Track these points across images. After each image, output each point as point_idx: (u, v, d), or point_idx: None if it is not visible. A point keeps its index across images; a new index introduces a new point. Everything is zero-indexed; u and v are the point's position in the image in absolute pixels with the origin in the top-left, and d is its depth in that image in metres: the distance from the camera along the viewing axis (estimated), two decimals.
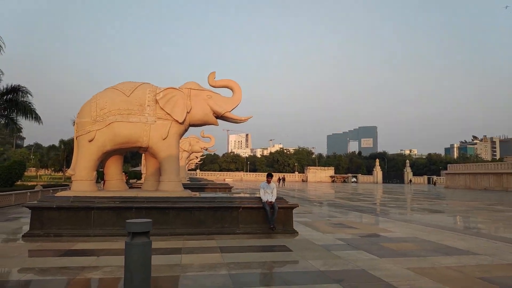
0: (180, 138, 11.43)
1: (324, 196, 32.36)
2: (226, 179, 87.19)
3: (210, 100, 11.05)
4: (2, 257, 7.10)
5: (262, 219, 10.44)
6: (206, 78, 11.12)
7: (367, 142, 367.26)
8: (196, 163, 60.75)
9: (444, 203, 25.20)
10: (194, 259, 7.19)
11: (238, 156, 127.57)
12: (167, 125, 10.67)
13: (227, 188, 24.38)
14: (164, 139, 10.61)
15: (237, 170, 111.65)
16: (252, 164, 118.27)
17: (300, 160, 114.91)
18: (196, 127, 11.79)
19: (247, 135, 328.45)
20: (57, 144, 53.55)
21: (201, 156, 45.82)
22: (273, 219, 10.18)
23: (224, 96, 11.45)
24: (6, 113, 22.50)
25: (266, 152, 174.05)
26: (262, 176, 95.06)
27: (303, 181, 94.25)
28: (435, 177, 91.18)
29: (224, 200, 10.52)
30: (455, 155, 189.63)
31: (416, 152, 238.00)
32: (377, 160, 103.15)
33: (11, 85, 22.84)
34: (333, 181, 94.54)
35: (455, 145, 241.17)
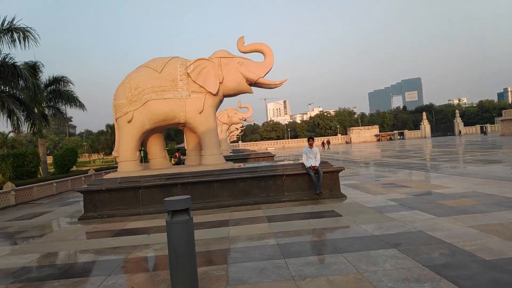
0: (216, 110, 11.22)
1: (370, 156, 31.38)
2: (268, 148, 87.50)
3: (242, 67, 10.64)
4: (61, 240, 7.43)
5: (307, 185, 10.15)
6: (235, 44, 10.70)
7: (411, 96, 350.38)
8: (237, 135, 61.55)
9: (501, 153, 23.43)
10: (241, 230, 7.09)
11: (277, 124, 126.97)
12: (202, 98, 10.47)
13: (269, 156, 24.25)
14: (200, 113, 10.46)
15: (278, 138, 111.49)
16: (292, 131, 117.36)
17: (342, 121, 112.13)
18: (232, 97, 11.51)
19: (284, 101, 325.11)
20: (104, 129, 56.00)
21: (241, 127, 46.13)
22: (319, 184, 9.85)
23: (256, 61, 10.98)
24: (52, 103, 23.53)
25: (305, 117, 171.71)
26: (304, 142, 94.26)
27: (346, 143, 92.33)
28: (488, 125, 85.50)
29: (267, 168, 10.30)
30: (510, 99, 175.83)
31: (465, 101, 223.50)
32: (424, 113, 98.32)
33: (53, 76, 23.74)
34: (378, 140, 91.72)
35: (509, 89, 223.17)
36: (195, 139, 11.42)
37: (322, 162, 10.31)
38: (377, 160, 25.33)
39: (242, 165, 11.87)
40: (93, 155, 69.22)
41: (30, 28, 16.36)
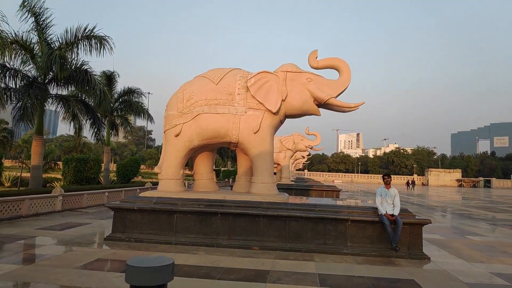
0: (275, 132, 9.59)
1: (452, 204, 27.15)
2: (335, 181, 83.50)
3: (310, 84, 8.95)
4: (64, 266, 6.21)
5: (378, 237, 7.93)
6: (307, 59, 9.10)
7: (501, 141, 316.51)
8: (304, 163, 59.25)
9: None
10: None
11: (348, 156, 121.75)
12: (259, 116, 8.94)
13: (335, 191, 21.83)
14: (255, 133, 8.91)
15: (346, 171, 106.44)
16: (363, 165, 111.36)
17: (419, 161, 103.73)
18: (296, 118, 9.80)
19: (358, 134, 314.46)
20: None
21: (307, 155, 44.01)
22: (397, 237, 7.57)
23: (328, 79, 9.22)
24: (122, 113, 24.01)
25: (379, 153, 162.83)
26: (375, 178, 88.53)
27: (423, 184, 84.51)
28: None
29: (328, 209, 8.30)
30: None
31: None
32: None
33: (128, 87, 24.31)
34: (460, 186, 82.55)
35: None
36: (247, 163, 9.87)
37: (401, 210, 8.02)
38: (461, 210, 21.46)
39: (304, 199, 9.98)
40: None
41: (108, 37, 16.57)
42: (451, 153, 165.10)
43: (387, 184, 8.12)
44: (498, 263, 7.64)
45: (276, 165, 27.30)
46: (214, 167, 10.59)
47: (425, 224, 7.95)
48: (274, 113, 8.95)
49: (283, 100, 8.97)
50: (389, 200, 7.92)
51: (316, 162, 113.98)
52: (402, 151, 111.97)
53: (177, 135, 9.23)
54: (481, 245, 9.70)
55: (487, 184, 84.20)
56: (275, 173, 28.51)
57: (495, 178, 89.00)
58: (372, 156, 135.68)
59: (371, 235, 7.96)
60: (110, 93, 23.07)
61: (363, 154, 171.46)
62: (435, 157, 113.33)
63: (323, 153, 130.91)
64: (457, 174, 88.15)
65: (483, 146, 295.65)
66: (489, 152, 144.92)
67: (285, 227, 8.17)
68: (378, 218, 7.84)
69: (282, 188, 20.58)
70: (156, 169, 9.62)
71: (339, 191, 22.45)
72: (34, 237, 8.68)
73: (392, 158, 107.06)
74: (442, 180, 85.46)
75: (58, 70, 14.25)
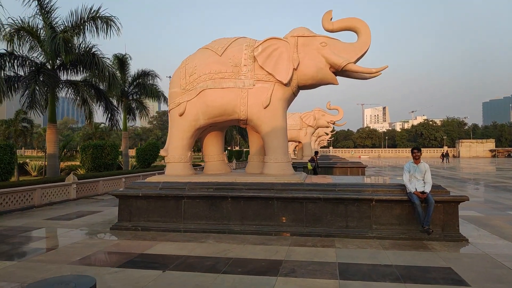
0: (288, 105, 8.72)
1: (487, 175, 25.50)
2: (361, 156, 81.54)
3: (325, 49, 7.96)
4: (59, 262, 5.71)
5: (407, 217, 7.03)
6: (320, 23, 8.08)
7: None
8: (328, 140, 57.72)
9: None
10: None
11: (374, 131, 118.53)
12: (269, 89, 8.08)
13: (360, 167, 20.77)
14: (265, 108, 8.08)
15: (373, 146, 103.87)
16: (390, 139, 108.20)
17: (449, 132, 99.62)
18: (311, 89, 8.85)
19: (384, 108, 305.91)
20: None
21: (331, 131, 42.60)
22: (428, 218, 6.65)
23: (345, 42, 8.19)
24: (136, 97, 23.59)
25: (407, 126, 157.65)
26: (403, 152, 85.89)
27: (454, 156, 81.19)
28: None
29: (349, 188, 7.44)
30: None
31: None
32: None
33: (142, 70, 23.77)
34: (494, 156, 78.80)
35: None
36: (259, 141, 9.08)
37: (433, 187, 7.06)
38: (497, 182, 19.97)
39: (318, 178, 9.14)
40: None
41: (114, 17, 15.90)
42: (483, 123, 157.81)
43: (416, 158, 7.14)
44: None
45: (298, 143, 26.46)
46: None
47: (461, 201, 6.96)
48: (286, 85, 8.06)
49: (295, 69, 8.05)
50: (418, 176, 6.96)
51: (342, 139, 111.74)
52: (431, 123, 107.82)
53: (181, 115, 8.54)
54: None
55: None
56: (295, 151, 27.52)
57: None
58: (399, 130, 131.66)
59: (399, 216, 7.07)
60: (124, 77, 22.64)
61: (390, 128, 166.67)
62: (466, 127, 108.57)
63: (348, 129, 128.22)
64: (490, 144, 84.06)
65: None
66: None
67: (302, 210, 7.40)
68: (406, 196, 6.93)
69: (304, 166, 19.78)
70: (162, 152, 9.01)
71: (365, 167, 21.39)
72: (38, 229, 8.32)
73: (421, 130, 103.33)
74: (475, 151, 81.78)
75: (63, 53, 13.75)
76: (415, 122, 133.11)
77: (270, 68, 8.01)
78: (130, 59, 22.74)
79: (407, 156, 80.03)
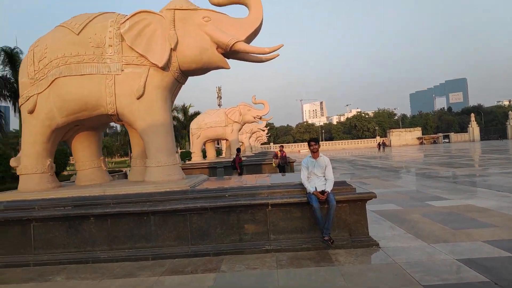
0: (171, 95, 7.16)
1: (413, 162, 26.14)
2: (300, 151, 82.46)
3: (209, 25, 6.51)
4: None
5: (309, 222, 5.85)
6: None
7: (456, 97, 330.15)
8: (267, 135, 57.07)
9: None
10: None
11: (311, 125, 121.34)
12: (142, 75, 6.46)
13: (290, 162, 19.82)
14: (139, 98, 6.45)
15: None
16: (327, 133, 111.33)
17: (381, 123, 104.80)
18: (199, 75, 7.39)
19: (321, 102, 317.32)
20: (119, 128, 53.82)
21: (265, 127, 41.78)
22: (329, 224, 5.51)
23: (234, 17, 6.82)
24: None
25: (343, 119, 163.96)
26: (340, 144, 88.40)
27: (386, 146, 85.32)
28: None
29: (242, 192, 6.09)
30: None
31: None
32: (472, 115, 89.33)
33: None
34: (421, 143, 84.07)
35: None
36: (140, 141, 7.41)
37: (337, 184, 5.95)
38: (423, 168, 20.24)
39: (214, 183, 7.71)
40: (108, 157, 67.14)
41: None
42: (411, 113, 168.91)
43: (314, 152, 5.98)
44: (466, 239, 5.82)
45: (225, 140, 25.09)
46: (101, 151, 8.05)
47: (368, 199, 5.92)
48: (163, 69, 6.49)
49: (173, 50, 6.51)
50: (318, 172, 5.81)
51: (282, 134, 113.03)
52: (363, 115, 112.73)
53: (31, 112, 6.64)
54: (444, 213, 7.94)
55: (446, 140, 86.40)
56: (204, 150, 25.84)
57: (453, 133, 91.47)
58: (335, 123, 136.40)
59: (301, 222, 5.87)
60: (16, 74, 19.57)
61: (327, 122, 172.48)
62: (396, 117, 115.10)
63: (288, 124, 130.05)
64: (417, 132, 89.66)
65: (440, 103, 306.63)
66: (445, 108, 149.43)
67: (185, 225, 5.92)
68: (306, 198, 5.73)
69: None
70: (12, 162, 7.00)
71: (293, 162, 20.57)
72: None
73: (354, 122, 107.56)
74: (404, 140, 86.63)
75: None
76: (350, 115, 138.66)
77: (141, 49, 6.40)
78: (21, 53, 19.66)
79: (343, 148, 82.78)
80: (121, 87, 6.42)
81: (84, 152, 7.61)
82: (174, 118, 45.99)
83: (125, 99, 6.45)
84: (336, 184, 5.88)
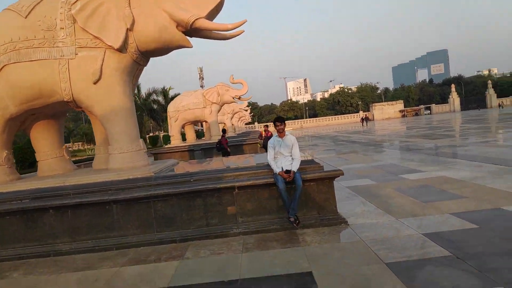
0: (132, 78, 6.83)
1: (393, 136, 26.34)
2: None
3: (167, 3, 6.14)
4: None
5: (277, 203, 5.73)
6: None
7: (437, 69, 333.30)
8: (251, 115, 56.64)
9: None
10: None
11: (295, 103, 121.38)
12: (98, 58, 6.10)
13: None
14: (96, 83, 6.11)
15: (296, 118, 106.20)
16: (311, 109, 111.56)
17: (364, 98, 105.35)
18: (160, 56, 7.06)
19: (305, 79, 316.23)
20: None
21: (247, 106, 41.41)
22: (295, 205, 5.40)
23: None
24: None
25: (326, 95, 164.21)
26: (324, 121, 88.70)
27: (368, 119, 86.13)
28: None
29: (207, 176, 5.90)
30: None
31: (496, 71, 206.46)
32: (453, 86, 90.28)
33: None
34: (403, 116, 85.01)
35: None
36: (102, 128, 7.10)
37: (304, 162, 5.82)
38: (403, 141, 20.41)
39: (185, 166, 7.48)
40: (90, 144, 66.31)
41: None
42: (394, 86, 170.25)
43: (280, 132, 5.79)
44: (434, 212, 5.80)
45: (204, 122, 24.74)
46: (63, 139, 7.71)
47: (336, 176, 5.80)
48: (120, 50, 6.13)
49: (129, 30, 6.14)
50: (285, 152, 5.66)
51: (266, 114, 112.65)
52: (347, 90, 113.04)
53: None
54: (416, 186, 7.94)
55: (428, 111, 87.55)
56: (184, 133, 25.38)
57: (434, 104, 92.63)
58: (319, 100, 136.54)
59: (268, 203, 5.74)
60: None
61: (312, 99, 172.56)
62: (379, 91, 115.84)
63: (272, 103, 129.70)
64: (399, 105, 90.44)
65: (422, 75, 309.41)
66: (427, 80, 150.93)
67: (149, 213, 5.72)
68: (273, 179, 5.59)
69: (213, 147, 18.17)
70: None
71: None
72: None
73: (338, 98, 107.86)
74: (387, 113, 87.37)
75: None
76: (334, 91, 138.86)
77: (95, 30, 6.02)
78: None
79: (327, 124, 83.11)
80: (75, 72, 6.06)
81: (44, 141, 7.25)
82: (154, 101, 45.17)
83: (81, 84, 6.11)
84: (303, 162, 5.75)
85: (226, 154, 15.12)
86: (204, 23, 6.24)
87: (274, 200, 5.72)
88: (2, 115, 6.31)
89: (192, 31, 6.42)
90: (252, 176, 5.78)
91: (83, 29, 6.05)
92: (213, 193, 5.71)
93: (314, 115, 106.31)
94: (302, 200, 5.64)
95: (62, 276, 4.73)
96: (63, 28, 6.07)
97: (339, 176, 5.79)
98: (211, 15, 6.44)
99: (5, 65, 6.03)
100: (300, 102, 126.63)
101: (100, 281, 4.40)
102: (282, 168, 5.51)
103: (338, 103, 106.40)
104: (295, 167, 5.49)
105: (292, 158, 5.64)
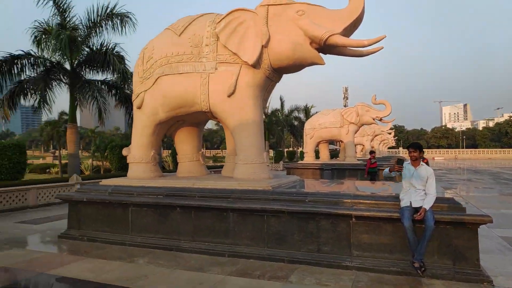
0: (264, 93, 7.02)
1: None
2: (435, 158, 74.17)
3: (303, 19, 6.14)
4: None
5: (402, 242, 4.96)
6: None
7: None
8: (394, 139, 52.80)
9: None
10: None
11: (450, 130, 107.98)
12: (234, 73, 6.49)
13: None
14: (230, 96, 6.50)
15: (449, 146, 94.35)
16: (470, 139, 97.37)
17: None
18: (293, 72, 7.06)
19: (465, 105, 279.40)
20: None
21: (390, 129, 38.55)
22: (423, 247, 4.56)
23: (330, 9, 6.30)
24: None
25: (491, 124, 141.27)
26: (486, 153, 76.22)
27: None
28: None
29: (324, 198, 5.54)
30: None
31: None
32: None
33: None
34: None
35: None
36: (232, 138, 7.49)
37: (440, 200, 4.90)
38: None
39: (307, 185, 7.23)
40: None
41: (129, 13, 15.41)
42: None
43: (414, 160, 5.01)
44: None
45: (340, 142, 24.03)
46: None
47: (481, 223, 4.68)
48: (254, 66, 6.39)
49: (264, 47, 6.35)
50: (417, 184, 4.85)
51: (414, 138, 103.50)
52: None
53: (139, 107, 7.37)
54: None
55: None
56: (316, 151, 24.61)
57: None
58: (481, 129, 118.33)
59: (391, 240, 5.02)
60: None
61: (472, 127, 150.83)
62: None
63: (421, 128, 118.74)
64: None
65: None
66: None
67: (262, 226, 5.70)
68: (398, 213, 4.87)
69: (345, 168, 17.58)
70: (123, 151, 7.85)
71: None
72: None
73: (506, 128, 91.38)
74: None
75: (68, 52, 13.51)
76: (501, 120, 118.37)
77: (234, 47, 6.42)
78: None
79: (489, 158, 71.07)
80: (214, 85, 6.55)
81: (184, 145, 8.10)
82: (296, 118, 46.41)
83: (218, 97, 6.57)
84: (438, 200, 4.84)
85: (373, 177, 13.97)
86: (338, 39, 5.99)
87: (397, 238, 4.98)
88: (154, 120, 7.28)
89: (326, 47, 6.23)
90: (373, 207, 5.17)
91: (224, 46, 6.53)
92: (327, 218, 5.32)
93: (473, 145, 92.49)
94: (433, 244, 4.74)
95: (176, 273, 5.05)
96: (207, 45, 6.66)
97: (485, 223, 4.66)
98: (348, 31, 6.15)
99: (159, 76, 6.96)
100: (456, 130, 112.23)
101: (204, 286, 4.52)
102: (410, 203, 4.75)
103: (506, 135, 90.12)
104: (427, 204, 4.65)
105: (425, 193, 4.81)
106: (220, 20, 6.59)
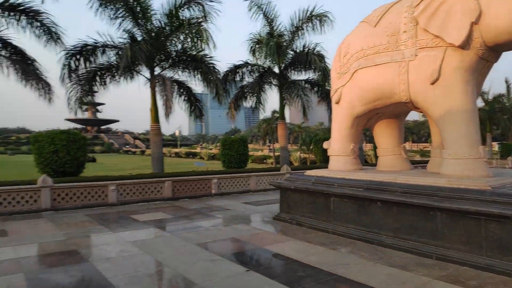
0: (476, 76, 6.03)
1: None
2: None
3: None
4: (178, 240, 6.36)
5: None
6: None
7: None
8: None
9: None
10: None
11: None
12: (437, 57, 5.90)
13: None
14: (433, 83, 5.95)
15: None
16: None
17: None
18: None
19: None
20: None
21: None
22: None
23: None
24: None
25: None
26: None
27: None
28: None
29: None
30: None
31: None
32: None
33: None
34: None
35: None
36: (438, 130, 6.74)
37: None
38: None
39: None
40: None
41: (327, 12, 15.99)
42: None
43: None
44: None
45: None
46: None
47: None
48: (462, 47, 5.62)
49: (474, 23, 5.49)
50: None
51: None
52: None
53: (337, 102, 7.66)
54: None
55: None
56: None
57: None
58: None
59: None
60: None
61: None
62: None
63: None
64: None
65: None
66: None
67: (479, 231, 4.97)
68: None
69: None
70: (324, 145, 8.27)
71: None
72: (227, 210, 9.58)
73: None
74: None
75: (276, 57, 15.11)
76: None
77: (435, 29, 5.83)
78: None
79: None
80: (414, 73, 6.14)
81: (384, 139, 7.87)
82: None
83: (419, 85, 6.12)
84: None
85: None
86: None
87: None
88: (351, 113, 7.39)
89: None
90: None
91: (424, 30, 5.99)
92: None
93: None
94: None
95: (377, 266, 5.04)
96: (405, 32, 6.25)
97: None
98: None
99: (355, 70, 7.00)
100: None
101: (407, 285, 4.34)
102: None
103: None
104: None
105: None
106: (419, 3, 6.09)
